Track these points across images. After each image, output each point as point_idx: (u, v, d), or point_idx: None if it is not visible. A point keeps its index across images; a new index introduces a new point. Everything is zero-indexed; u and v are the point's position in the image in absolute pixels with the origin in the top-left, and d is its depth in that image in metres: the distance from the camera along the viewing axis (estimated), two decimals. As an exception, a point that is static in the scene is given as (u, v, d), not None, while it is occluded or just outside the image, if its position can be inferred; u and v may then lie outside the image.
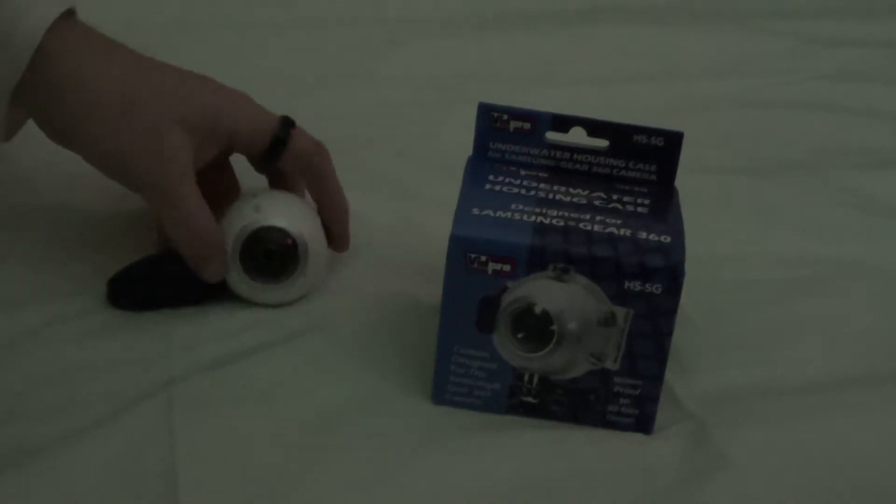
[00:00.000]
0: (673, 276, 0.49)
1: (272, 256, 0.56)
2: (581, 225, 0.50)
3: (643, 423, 0.52)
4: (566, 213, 0.51)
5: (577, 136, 0.54)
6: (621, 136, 0.54)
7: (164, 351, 0.54)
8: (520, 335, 0.51)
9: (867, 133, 0.79)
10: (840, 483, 0.50)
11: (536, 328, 0.50)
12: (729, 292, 0.62)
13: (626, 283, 0.49)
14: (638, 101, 0.80)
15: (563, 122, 0.55)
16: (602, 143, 0.54)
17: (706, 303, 0.60)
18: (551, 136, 0.55)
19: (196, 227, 0.55)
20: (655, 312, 0.49)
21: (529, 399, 0.52)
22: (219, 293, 0.57)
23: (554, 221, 0.50)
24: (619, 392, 0.51)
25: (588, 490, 0.49)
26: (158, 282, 0.57)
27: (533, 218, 0.50)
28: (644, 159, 0.54)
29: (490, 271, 0.49)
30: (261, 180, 0.61)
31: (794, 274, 0.64)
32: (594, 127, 0.54)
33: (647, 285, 0.49)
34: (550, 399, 0.52)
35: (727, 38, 0.90)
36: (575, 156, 0.55)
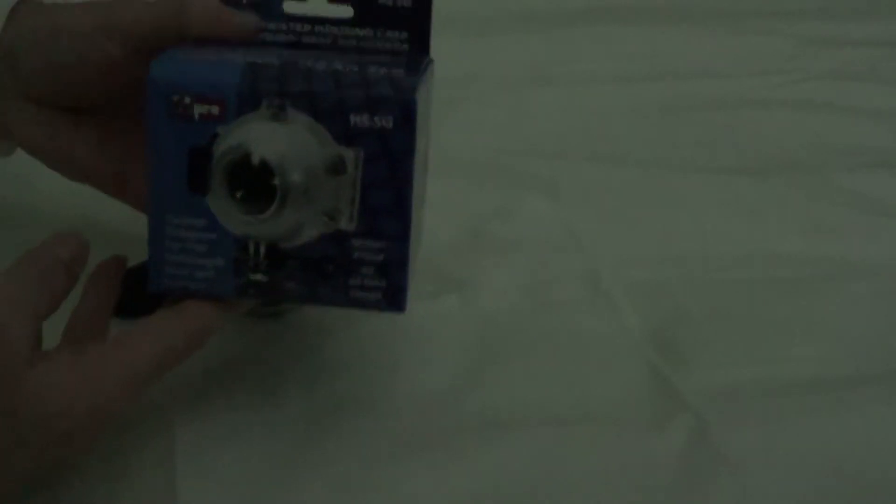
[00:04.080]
0: (405, 107, 0.43)
1: None
2: (300, 63, 0.44)
3: (393, 298, 0.45)
4: (286, 56, 0.45)
5: (319, 7, 0.49)
6: (365, 1, 0.48)
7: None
8: (238, 194, 0.44)
9: (867, 133, 0.79)
10: (840, 482, 0.50)
11: (256, 183, 0.43)
12: (729, 292, 0.62)
13: (352, 118, 0.43)
14: (638, 102, 0.80)
15: None
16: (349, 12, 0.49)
17: (706, 301, 0.61)
18: (290, 8, 0.49)
19: None
20: (390, 154, 0.43)
21: (258, 277, 0.45)
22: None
23: (269, 61, 0.44)
24: (361, 259, 0.45)
25: (588, 490, 0.49)
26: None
27: (246, 59, 0.45)
28: (393, 25, 0.48)
29: (196, 115, 0.43)
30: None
31: (794, 274, 0.64)
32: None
33: (376, 119, 0.43)
34: (282, 275, 0.45)
35: (726, 38, 0.90)
36: (316, 28, 0.49)
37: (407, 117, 0.43)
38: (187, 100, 0.43)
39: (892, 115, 0.81)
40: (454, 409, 0.53)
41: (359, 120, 0.43)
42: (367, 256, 0.45)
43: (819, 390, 0.55)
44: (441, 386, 0.54)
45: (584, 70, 0.84)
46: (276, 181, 0.43)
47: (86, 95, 0.52)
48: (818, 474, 0.50)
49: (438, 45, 0.86)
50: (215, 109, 0.43)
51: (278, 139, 0.43)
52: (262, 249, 0.45)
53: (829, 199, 0.71)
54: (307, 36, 0.49)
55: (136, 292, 0.57)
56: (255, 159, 0.43)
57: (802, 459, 0.51)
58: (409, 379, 0.54)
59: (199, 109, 0.43)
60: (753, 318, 0.60)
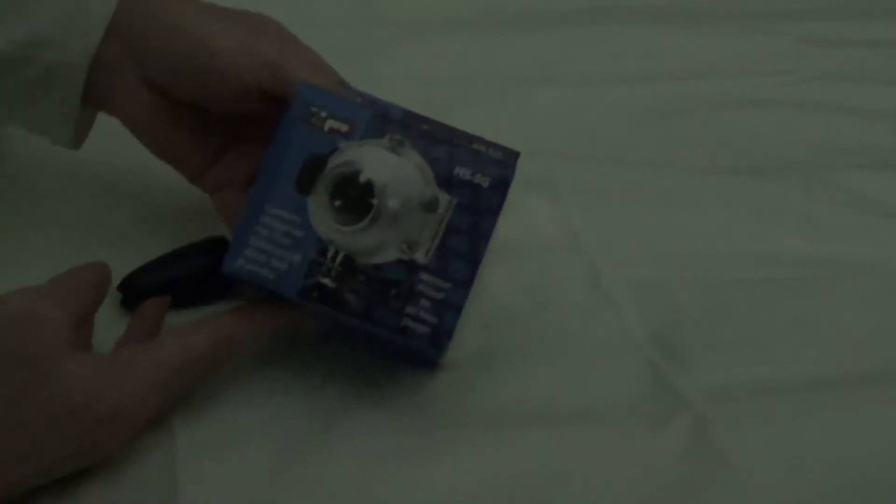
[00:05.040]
0: (503, 171, 0.49)
1: None
2: (423, 125, 0.51)
3: (438, 338, 0.49)
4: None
5: None
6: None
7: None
8: (337, 203, 0.49)
9: (867, 133, 0.79)
10: (839, 482, 0.50)
11: (356, 198, 0.49)
12: (729, 292, 0.62)
13: (457, 169, 0.49)
14: (638, 102, 0.80)
15: (412, 120, 0.53)
16: None
17: (706, 301, 0.61)
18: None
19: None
20: (478, 208, 0.49)
21: (327, 281, 0.49)
22: (235, 290, 0.57)
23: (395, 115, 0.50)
24: (423, 292, 0.49)
25: (588, 489, 0.49)
26: (175, 282, 0.57)
27: (375, 109, 0.51)
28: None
29: (327, 128, 0.49)
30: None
31: (794, 274, 0.64)
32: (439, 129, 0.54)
33: (476, 175, 0.49)
34: (349, 286, 0.49)
35: (727, 38, 0.90)
36: None
37: (502, 180, 0.49)
38: (324, 114, 0.50)
39: (892, 115, 0.81)
40: (454, 409, 0.53)
41: (461, 172, 0.49)
42: (429, 291, 0.49)
43: (819, 390, 0.55)
44: (441, 386, 0.54)
45: (584, 70, 0.84)
46: (374, 201, 0.49)
47: (206, 101, 0.55)
48: (818, 474, 0.50)
49: (439, 44, 0.87)
50: (344, 128, 0.49)
51: (388, 167, 0.49)
52: (340, 257, 0.49)
53: (829, 199, 0.71)
54: None
55: (150, 288, 0.57)
56: (363, 178, 0.49)
57: (802, 459, 0.51)
58: (409, 379, 0.54)
59: (330, 124, 0.49)
60: (753, 318, 0.60)
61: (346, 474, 0.49)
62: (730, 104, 0.81)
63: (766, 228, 0.68)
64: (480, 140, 0.53)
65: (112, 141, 0.64)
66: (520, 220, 0.66)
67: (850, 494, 0.49)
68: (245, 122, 0.57)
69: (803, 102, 0.82)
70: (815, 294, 0.62)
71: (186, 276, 0.56)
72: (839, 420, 0.53)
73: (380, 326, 0.49)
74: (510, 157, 0.54)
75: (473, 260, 0.49)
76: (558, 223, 0.66)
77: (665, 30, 0.90)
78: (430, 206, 0.49)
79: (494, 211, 0.49)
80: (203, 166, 0.58)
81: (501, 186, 0.49)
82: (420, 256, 0.49)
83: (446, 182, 0.49)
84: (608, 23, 0.91)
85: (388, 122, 0.49)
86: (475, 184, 0.49)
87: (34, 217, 0.64)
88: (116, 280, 0.56)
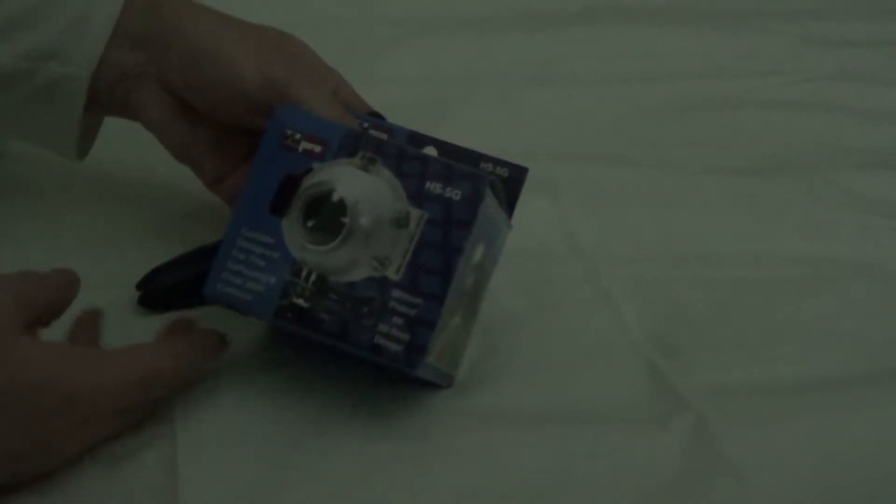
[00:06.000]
0: (475, 184, 0.48)
1: None
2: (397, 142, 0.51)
3: (412, 354, 0.48)
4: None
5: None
6: (471, 160, 0.54)
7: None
8: (310, 223, 0.49)
9: (867, 133, 0.79)
10: (840, 482, 0.50)
11: (328, 217, 0.49)
12: (729, 291, 0.62)
13: (428, 184, 0.48)
14: (638, 102, 0.80)
15: (417, 140, 0.55)
16: None
17: (706, 301, 0.61)
18: None
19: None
20: (450, 221, 0.48)
21: (301, 302, 0.49)
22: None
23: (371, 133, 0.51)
24: (395, 309, 0.48)
25: (588, 489, 0.49)
26: (194, 281, 0.56)
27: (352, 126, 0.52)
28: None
29: (301, 150, 0.50)
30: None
31: (794, 274, 0.64)
32: (446, 149, 0.55)
33: (447, 189, 0.48)
34: (322, 306, 0.49)
35: (727, 38, 0.90)
36: None
37: (474, 194, 0.48)
38: (297, 136, 0.50)
39: (892, 115, 0.81)
40: (454, 410, 0.53)
41: (432, 186, 0.48)
42: (401, 308, 0.48)
43: (819, 390, 0.55)
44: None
45: (584, 70, 0.84)
46: (346, 220, 0.48)
47: (220, 115, 0.57)
48: (818, 474, 0.50)
49: (439, 44, 0.87)
50: (317, 148, 0.50)
51: (360, 185, 0.49)
52: (313, 277, 0.49)
53: (829, 199, 0.71)
54: None
55: (167, 288, 0.58)
56: (336, 197, 0.48)
57: (802, 459, 0.51)
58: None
59: (304, 145, 0.50)
60: (753, 318, 0.60)
61: (346, 475, 0.49)
62: (730, 104, 0.81)
63: (766, 228, 0.68)
64: (489, 158, 0.54)
65: (120, 146, 0.65)
66: (519, 220, 0.66)
67: (851, 494, 0.49)
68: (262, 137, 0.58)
69: (803, 102, 0.82)
70: (815, 294, 0.62)
71: (204, 276, 0.56)
72: (839, 420, 0.53)
73: (353, 345, 0.48)
74: (518, 174, 0.54)
75: (446, 274, 0.48)
76: (558, 223, 0.66)
77: (665, 30, 0.90)
78: (400, 221, 0.48)
79: (467, 224, 0.48)
80: (221, 174, 0.59)
81: (474, 198, 0.48)
82: (391, 273, 0.48)
83: (418, 197, 0.49)
84: (608, 23, 0.91)
85: (360, 140, 0.50)
86: (446, 198, 0.48)
87: (36, 218, 0.64)
88: (105, 287, 0.56)
